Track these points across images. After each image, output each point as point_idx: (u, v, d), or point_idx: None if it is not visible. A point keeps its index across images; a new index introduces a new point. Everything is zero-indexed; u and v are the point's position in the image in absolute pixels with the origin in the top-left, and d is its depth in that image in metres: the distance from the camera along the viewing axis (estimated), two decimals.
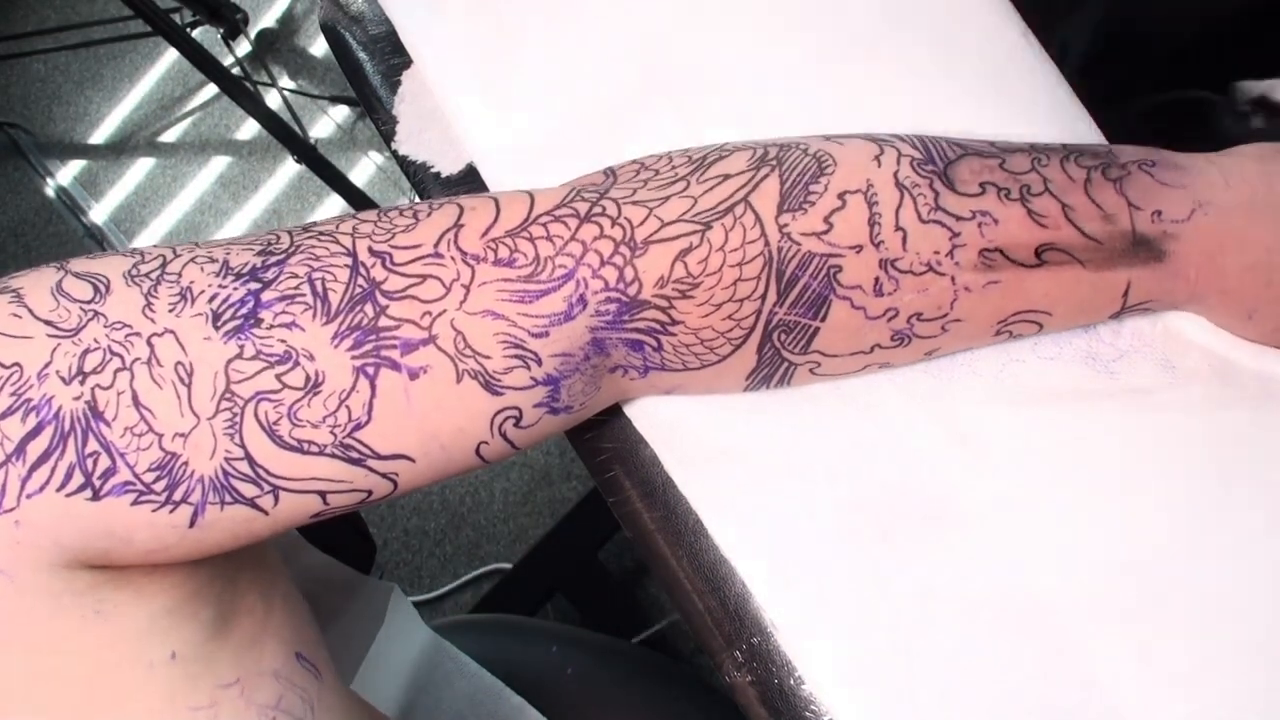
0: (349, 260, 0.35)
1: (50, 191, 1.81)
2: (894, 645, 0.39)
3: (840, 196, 0.37)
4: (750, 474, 0.42)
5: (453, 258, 0.35)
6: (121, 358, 0.32)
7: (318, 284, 0.34)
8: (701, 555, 0.42)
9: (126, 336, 0.32)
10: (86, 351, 0.31)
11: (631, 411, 0.44)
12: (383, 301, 0.34)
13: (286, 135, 1.40)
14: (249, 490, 0.33)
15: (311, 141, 1.61)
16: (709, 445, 0.43)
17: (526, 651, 0.69)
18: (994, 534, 0.40)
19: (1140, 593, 0.39)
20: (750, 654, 0.41)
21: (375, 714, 0.49)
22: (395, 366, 0.34)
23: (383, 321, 0.34)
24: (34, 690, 0.31)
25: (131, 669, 0.32)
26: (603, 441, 0.45)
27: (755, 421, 0.42)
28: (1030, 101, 0.44)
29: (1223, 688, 0.37)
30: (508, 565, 1.40)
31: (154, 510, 0.32)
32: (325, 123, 1.71)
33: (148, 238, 1.75)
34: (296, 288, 0.34)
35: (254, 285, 0.34)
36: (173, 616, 0.33)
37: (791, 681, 0.40)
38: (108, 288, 0.33)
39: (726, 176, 0.37)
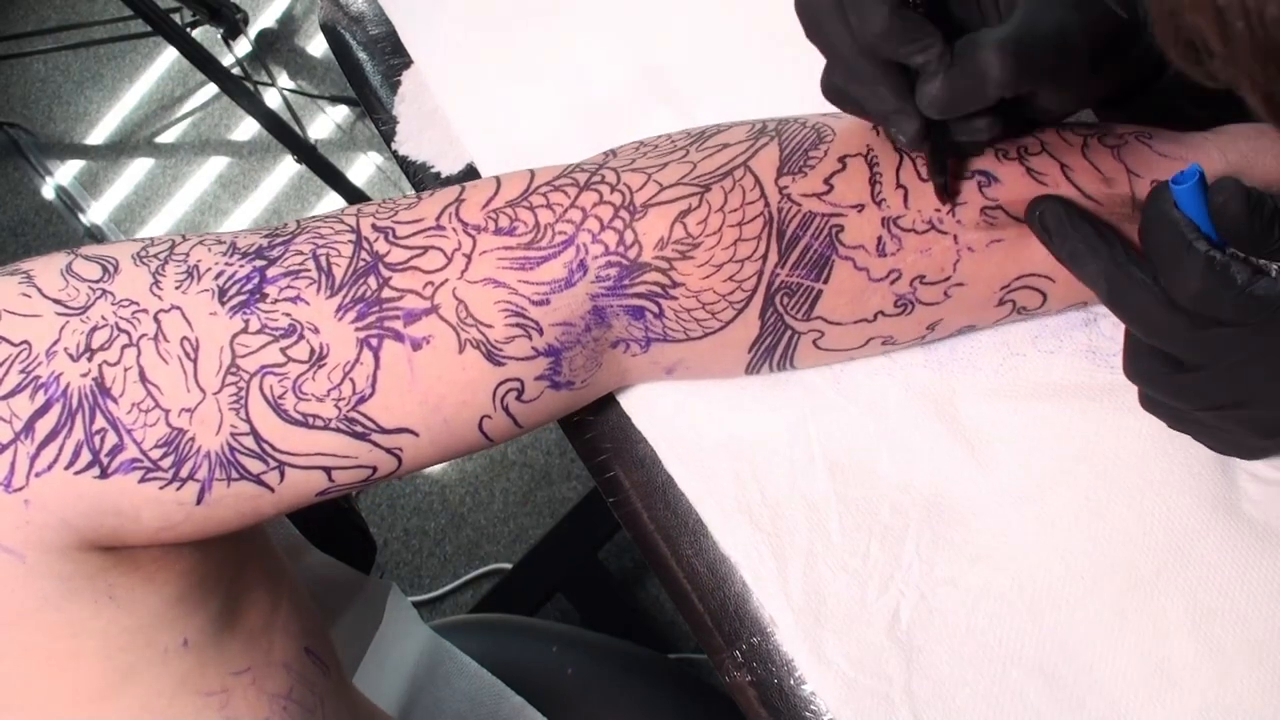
0: (353, 236, 0.35)
1: (50, 191, 1.81)
2: (895, 642, 0.39)
3: (840, 160, 0.37)
4: (751, 472, 0.42)
5: (454, 229, 0.36)
6: (129, 334, 0.32)
7: (322, 259, 0.34)
8: (701, 555, 0.42)
9: (134, 313, 0.32)
10: (94, 329, 0.32)
11: (631, 409, 0.44)
12: (385, 273, 0.34)
13: (286, 135, 1.40)
14: (255, 466, 0.33)
15: (311, 141, 1.61)
16: (709, 443, 0.43)
17: (526, 651, 0.69)
18: (994, 529, 0.40)
19: (1141, 588, 0.39)
20: (750, 653, 0.41)
21: (380, 713, 0.49)
22: (398, 337, 0.34)
23: (386, 293, 0.34)
24: (51, 671, 0.31)
25: (146, 653, 0.32)
26: (603, 441, 0.45)
27: (755, 419, 0.42)
28: None
29: (1225, 685, 0.37)
30: (508, 565, 1.40)
31: (161, 487, 0.32)
32: (325, 123, 1.71)
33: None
34: (301, 263, 0.34)
35: (260, 263, 0.34)
36: (184, 604, 0.33)
37: (791, 681, 0.40)
38: (116, 268, 0.33)
39: (726, 145, 0.38)
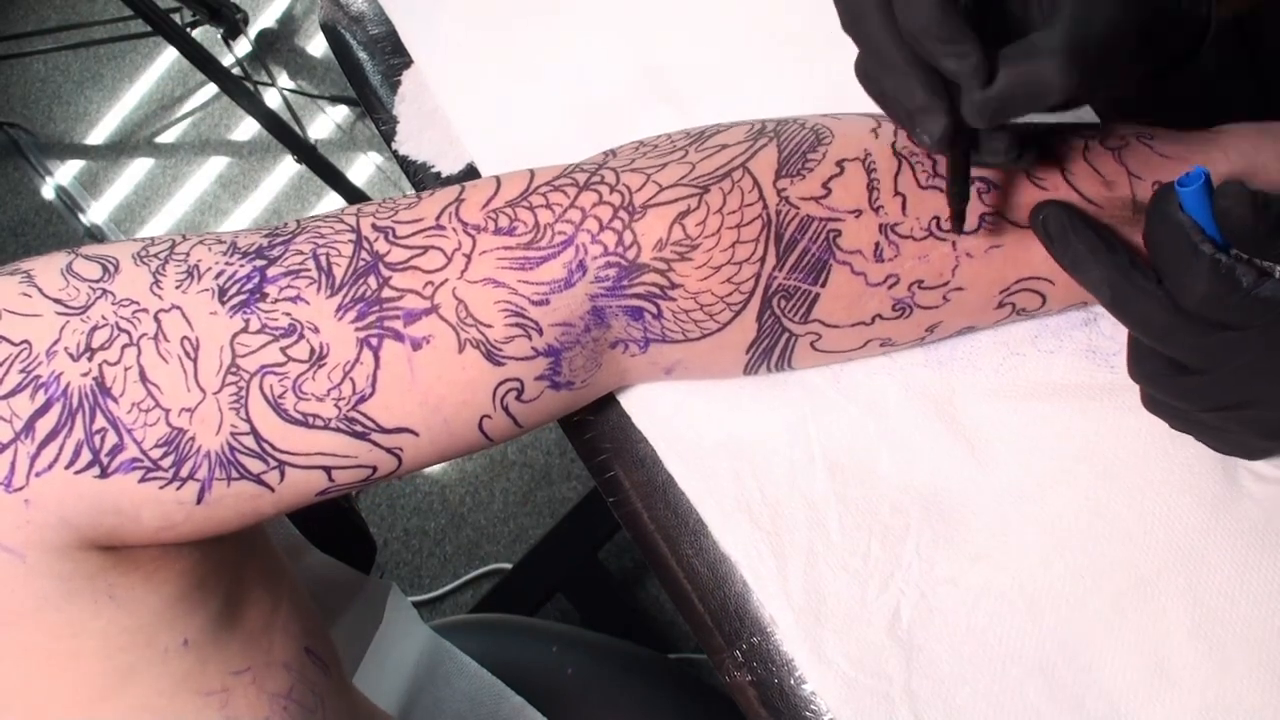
0: (353, 236, 0.35)
1: (50, 191, 1.81)
2: (895, 641, 0.39)
3: (838, 164, 0.37)
4: (751, 471, 0.42)
5: (454, 229, 0.36)
6: (129, 334, 0.32)
7: (322, 258, 0.34)
8: (701, 555, 0.42)
9: (134, 313, 0.32)
10: (95, 328, 0.32)
11: (631, 409, 0.44)
12: (385, 273, 0.34)
13: (286, 135, 1.40)
14: (255, 466, 0.33)
15: (311, 141, 1.61)
16: (708, 442, 0.43)
17: (526, 651, 0.69)
18: (995, 529, 0.40)
19: (1141, 587, 0.39)
20: (750, 653, 0.41)
21: (380, 713, 0.49)
22: (398, 337, 0.34)
23: (386, 293, 0.34)
24: (52, 671, 0.31)
25: (146, 652, 0.32)
26: (603, 441, 0.45)
27: (755, 418, 0.42)
28: None
29: (1225, 684, 0.37)
30: (508, 565, 1.40)
31: (161, 487, 0.32)
32: (325, 123, 1.71)
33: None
34: (301, 263, 0.34)
35: (260, 262, 0.34)
36: (184, 603, 0.34)
37: (792, 681, 0.40)
38: (116, 268, 0.33)
39: (724, 146, 0.38)
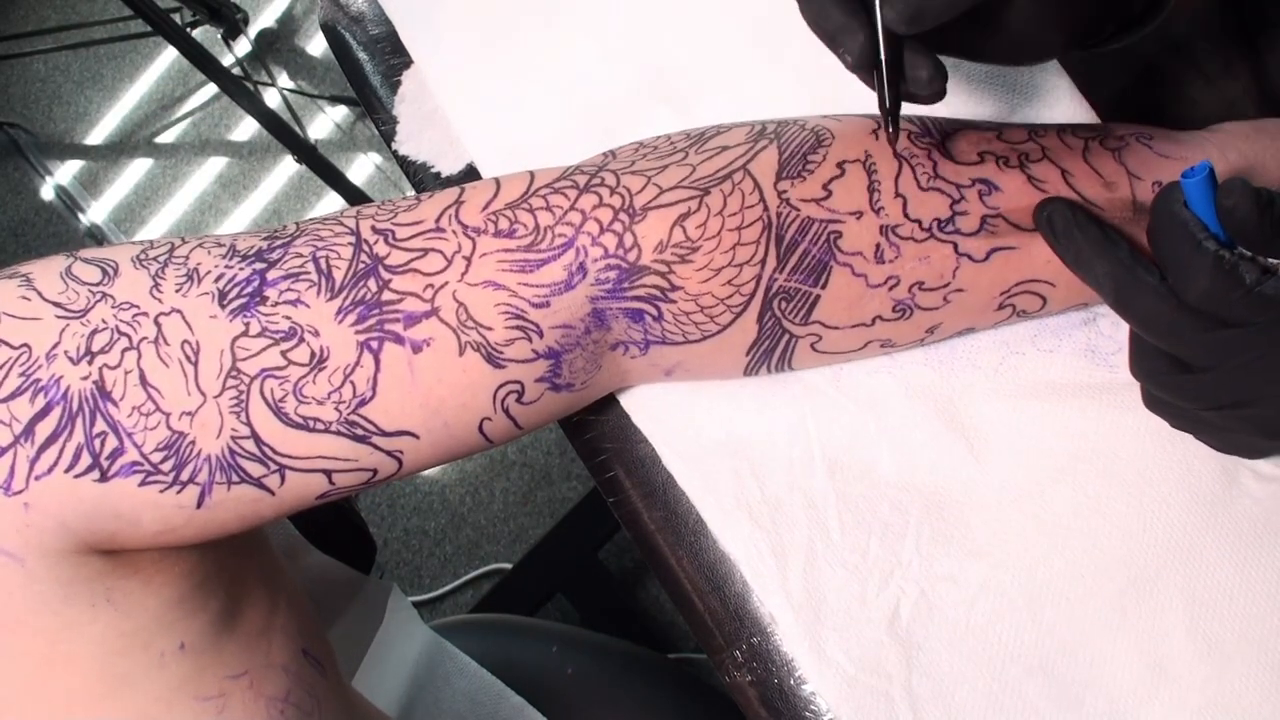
0: (352, 239, 0.35)
1: (50, 191, 1.81)
2: (895, 639, 0.39)
3: (839, 165, 0.37)
4: (750, 469, 0.42)
5: (454, 231, 0.36)
6: (129, 337, 0.32)
7: (322, 262, 0.34)
8: (701, 554, 0.42)
9: (134, 316, 0.32)
10: (94, 332, 0.32)
11: (630, 407, 0.44)
12: (385, 276, 0.34)
13: (286, 135, 1.40)
14: (256, 470, 0.33)
15: (311, 141, 1.61)
16: (708, 441, 0.43)
17: (526, 651, 0.69)
18: (994, 526, 0.40)
19: (1141, 585, 0.39)
20: (750, 653, 0.41)
21: (377, 712, 0.49)
22: (399, 340, 0.34)
23: (386, 295, 0.34)
24: (48, 676, 0.31)
25: (142, 657, 0.32)
26: (603, 442, 0.45)
27: (756, 417, 0.42)
28: (1030, 92, 0.44)
29: (1224, 682, 0.37)
30: (508, 565, 1.40)
31: (161, 491, 0.32)
32: (325, 123, 1.71)
33: (147, 237, 1.73)
34: (301, 266, 0.34)
35: (259, 265, 0.34)
36: (182, 607, 0.33)
37: (792, 681, 0.40)
38: (116, 271, 0.33)
39: (725, 148, 0.38)
